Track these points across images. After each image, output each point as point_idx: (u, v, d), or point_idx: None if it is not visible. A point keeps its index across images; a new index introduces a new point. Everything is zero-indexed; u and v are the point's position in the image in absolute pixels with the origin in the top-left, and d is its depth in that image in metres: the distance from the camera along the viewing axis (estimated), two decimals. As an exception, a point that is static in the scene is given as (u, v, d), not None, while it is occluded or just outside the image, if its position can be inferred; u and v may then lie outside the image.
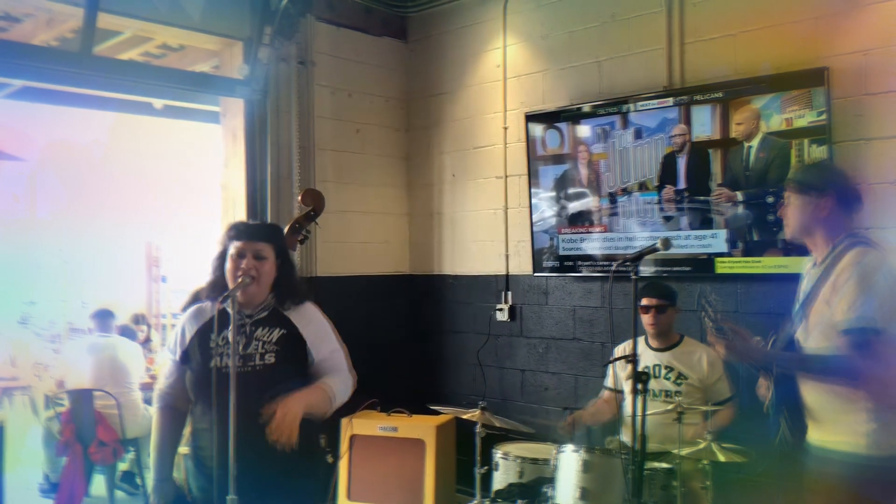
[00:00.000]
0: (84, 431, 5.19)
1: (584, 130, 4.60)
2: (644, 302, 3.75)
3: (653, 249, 2.89)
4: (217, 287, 2.69)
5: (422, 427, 4.81)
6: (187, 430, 2.83)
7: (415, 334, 5.67)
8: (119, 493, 5.46)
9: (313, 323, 2.76)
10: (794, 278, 2.80)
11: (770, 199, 3.87)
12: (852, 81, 3.66)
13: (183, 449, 2.91)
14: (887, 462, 2.40)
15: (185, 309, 2.99)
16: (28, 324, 10.02)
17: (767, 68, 3.90)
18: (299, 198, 3.54)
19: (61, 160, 10.25)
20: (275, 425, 2.45)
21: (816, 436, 2.57)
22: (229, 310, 2.53)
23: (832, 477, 2.46)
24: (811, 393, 2.57)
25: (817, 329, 2.53)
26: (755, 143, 3.92)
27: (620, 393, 3.79)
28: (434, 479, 4.73)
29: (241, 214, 4.85)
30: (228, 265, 2.67)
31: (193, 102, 5.68)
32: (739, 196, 3.97)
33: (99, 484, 5.45)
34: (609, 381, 3.97)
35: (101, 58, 4.83)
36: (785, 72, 3.82)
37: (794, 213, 2.68)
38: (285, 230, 3.38)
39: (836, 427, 2.49)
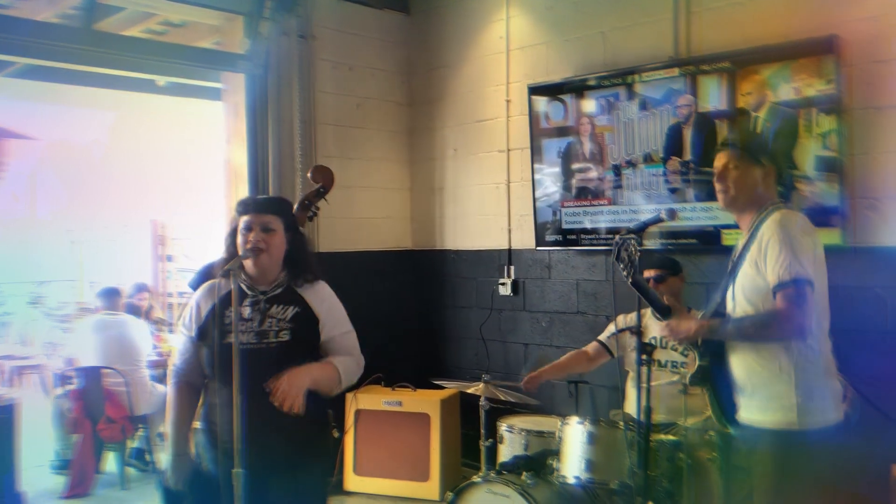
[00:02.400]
0: (93, 409, 5.24)
1: (588, 102, 4.55)
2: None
3: (657, 220, 2.86)
4: (229, 262, 2.68)
5: (426, 401, 4.84)
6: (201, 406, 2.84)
7: (418, 309, 5.67)
8: (130, 470, 5.50)
9: (326, 302, 2.76)
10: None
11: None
12: (862, 49, 3.59)
13: (196, 423, 2.91)
14: (817, 435, 2.43)
15: (191, 284, 2.98)
16: (39, 304, 10.08)
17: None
18: (308, 174, 3.52)
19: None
20: (278, 390, 2.46)
21: (746, 414, 2.57)
22: (241, 284, 2.58)
23: (768, 455, 2.47)
24: (740, 367, 2.57)
25: (743, 294, 2.55)
26: (763, 113, 3.87)
27: (612, 357, 3.78)
28: (439, 452, 4.76)
29: (244, 190, 4.84)
30: (238, 239, 2.68)
31: (196, 79, 5.64)
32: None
33: (110, 461, 5.49)
34: (603, 336, 3.92)
35: (103, 33, 4.82)
36: (793, 40, 3.75)
37: (738, 179, 2.66)
38: (294, 206, 3.37)
39: (764, 403, 2.50)
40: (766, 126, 3.85)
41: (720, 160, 2.73)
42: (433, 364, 5.44)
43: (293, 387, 2.47)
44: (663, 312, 2.75)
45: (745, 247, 2.59)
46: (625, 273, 2.65)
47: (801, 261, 2.42)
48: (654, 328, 3.74)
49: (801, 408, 2.43)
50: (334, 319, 2.76)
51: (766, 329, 2.50)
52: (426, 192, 5.64)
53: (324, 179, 3.52)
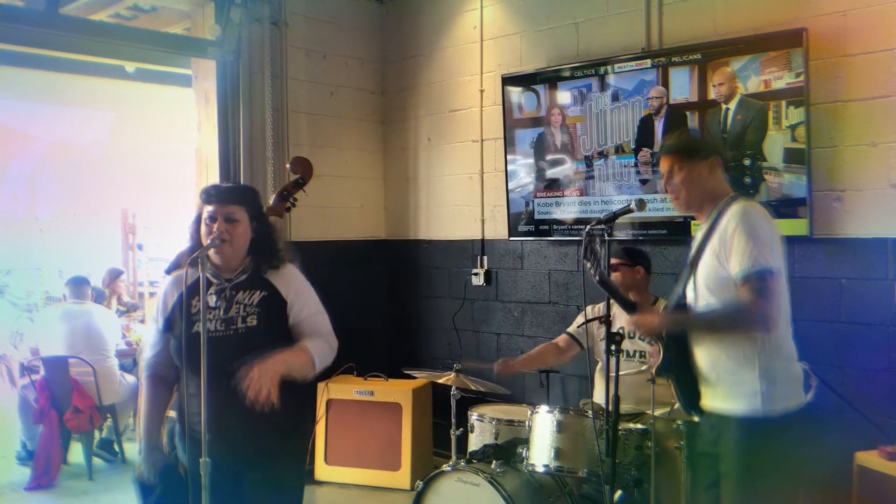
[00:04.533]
0: (59, 399, 5.17)
1: (561, 93, 4.55)
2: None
3: (626, 210, 2.86)
4: (194, 252, 2.65)
5: (398, 391, 4.83)
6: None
7: (391, 299, 5.66)
8: (97, 461, 5.44)
9: (294, 284, 2.72)
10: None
11: (747, 162, 3.86)
12: (830, 42, 3.63)
13: (170, 413, 2.89)
14: (782, 420, 2.47)
15: (168, 272, 2.95)
16: (4, 294, 9.92)
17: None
18: (287, 165, 3.51)
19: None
20: (250, 381, 2.40)
21: (711, 402, 2.60)
22: (207, 273, 2.54)
23: (736, 441, 2.50)
24: (705, 357, 2.59)
25: (706, 285, 2.56)
26: (733, 105, 3.90)
27: (581, 347, 3.78)
28: (411, 442, 4.76)
29: (214, 178, 4.79)
30: (202, 229, 2.65)
31: (166, 65, 5.57)
32: (727, 154, 3.93)
33: (76, 451, 5.43)
34: (572, 328, 3.93)
35: (69, 17, 4.73)
36: (763, 33, 3.78)
37: (685, 182, 2.64)
38: (272, 197, 3.36)
39: (730, 390, 2.53)
40: (735, 118, 3.89)
41: (663, 167, 2.71)
42: (406, 354, 5.44)
43: (264, 377, 2.41)
44: (628, 308, 2.73)
45: (706, 239, 2.59)
46: (592, 270, 2.64)
47: (765, 251, 2.43)
48: (622, 318, 3.75)
49: (765, 394, 2.46)
50: (303, 301, 2.71)
51: (734, 322, 2.51)
52: (400, 181, 5.62)
53: (303, 170, 3.50)
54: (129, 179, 10.06)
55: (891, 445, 3.24)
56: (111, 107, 9.48)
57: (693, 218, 3.98)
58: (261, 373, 2.42)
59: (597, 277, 2.62)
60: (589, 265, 2.63)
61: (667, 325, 2.67)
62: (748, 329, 2.48)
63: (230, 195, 2.70)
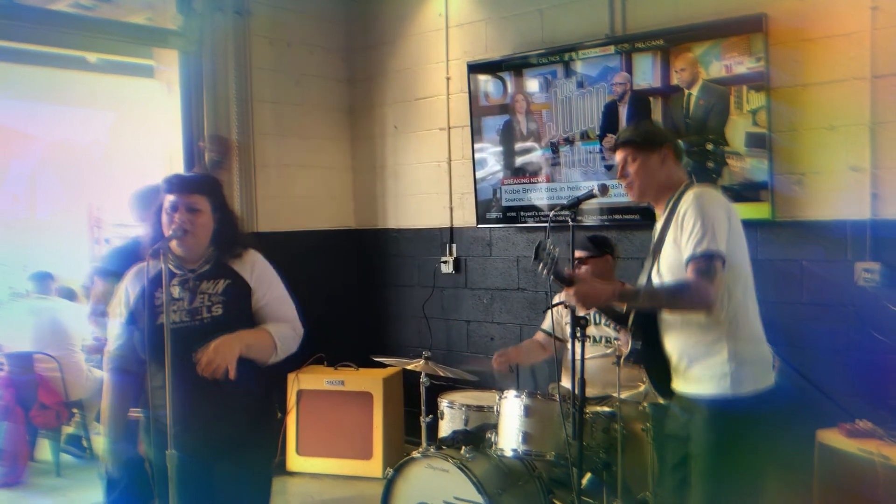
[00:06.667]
0: (24, 395, 5.10)
1: (527, 80, 4.56)
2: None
3: (590, 196, 2.88)
4: (156, 243, 2.62)
5: (369, 380, 4.84)
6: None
7: (360, 288, 5.65)
8: (65, 457, 5.38)
9: (257, 269, 2.70)
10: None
11: (710, 147, 3.90)
12: (790, 27, 3.67)
13: (137, 408, 2.87)
14: (750, 401, 2.50)
15: (99, 271, 2.90)
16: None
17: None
18: (201, 142, 3.38)
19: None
20: (206, 356, 2.39)
21: (681, 387, 2.63)
22: (170, 265, 2.52)
23: (704, 422, 2.53)
24: (673, 343, 2.63)
25: (668, 271, 2.59)
26: (695, 90, 3.94)
27: (560, 340, 3.81)
28: (382, 430, 4.78)
29: (178, 170, 4.73)
30: (164, 219, 2.61)
31: (128, 56, 5.48)
32: (680, 143, 3.97)
33: (44, 448, 5.37)
34: (545, 325, 3.97)
35: (27, 7, 4.62)
36: (724, 18, 3.81)
37: (638, 171, 2.68)
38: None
39: (699, 374, 2.56)
40: (698, 104, 3.92)
41: (618, 158, 2.75)
42: (376, 343, 5.43)
43: (220, 352, 2.40)
44: (567, 283, 2.68)
45: (664, 227, 2.62)
46: (545, 272, 2.62)
47: (714, 235, 2.45)
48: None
49: (734, 376, 2.49)
50: (266, 286, 2.69)
51: (676, 298, 2.54)
52: (367, 170, 5.60)
53: (219, 149, 3.41)
54: (93, 173, 9.92)
55: (851, 423, 3.30)
56: (75, 101, 9.32)
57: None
58: (218, 347, 2.41)
59: (551, 278, 2.61)
60: (542, 267, 2.62)
61: (614, 297, 2.68)
62: (688, 307, 2.51)
63: (192, 185, 2.66)
